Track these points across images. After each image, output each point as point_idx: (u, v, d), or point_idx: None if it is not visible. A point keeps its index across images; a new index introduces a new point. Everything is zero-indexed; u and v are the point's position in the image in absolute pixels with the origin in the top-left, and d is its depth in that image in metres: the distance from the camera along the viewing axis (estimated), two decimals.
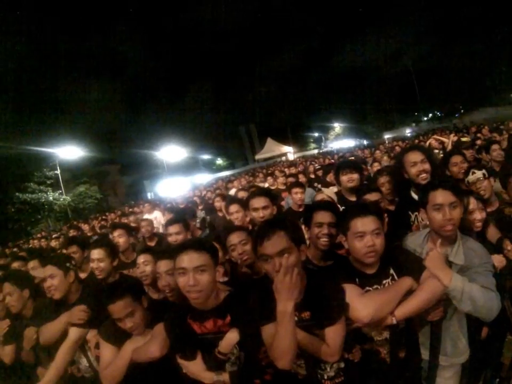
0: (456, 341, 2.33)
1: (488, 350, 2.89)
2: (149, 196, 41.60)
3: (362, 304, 1.97)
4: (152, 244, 5.32)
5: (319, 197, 3.48)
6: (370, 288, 2.13)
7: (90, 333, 2.77)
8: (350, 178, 3.72)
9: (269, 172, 14.12)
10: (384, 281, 2.14)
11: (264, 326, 1.94)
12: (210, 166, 66.81)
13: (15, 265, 5.24)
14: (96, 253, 3.36)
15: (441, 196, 2.18)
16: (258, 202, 3.28)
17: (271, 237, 1.91)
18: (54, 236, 10.97)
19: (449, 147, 7.37)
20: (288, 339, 1.78)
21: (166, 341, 2.20)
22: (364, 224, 2.06)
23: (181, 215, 4.68)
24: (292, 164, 20.55)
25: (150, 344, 2.24)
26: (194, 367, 2.09)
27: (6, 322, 3.29)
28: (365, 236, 2.04)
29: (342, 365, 2.05)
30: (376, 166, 7.07)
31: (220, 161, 73.97)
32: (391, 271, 2.15)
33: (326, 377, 2.03)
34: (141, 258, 3.13)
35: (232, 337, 2.03)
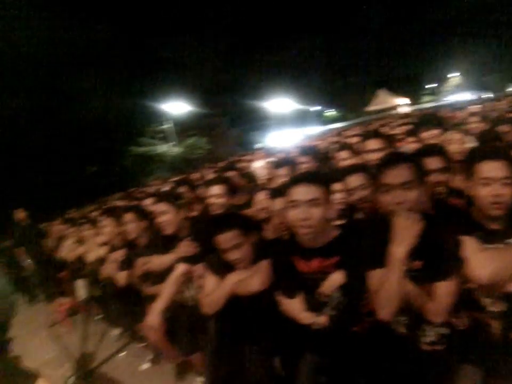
0: None
1: None
2: (257, 146, 42.34)
3: (480, 262, 1.73)
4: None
5: (456, 135, 3.26)
6: (493, 246, 1.84)
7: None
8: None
9: (382, 124, 13.32)
10: (509, 240, 1.84)
11: (372, 271, 1.84)
12: (320, 118, 65.63)
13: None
14: (215, 189, 3.46)
15: (492, 168, 1.80)
16: (375, 143, 3.21)
17: (396, 166, 1.79)
18: (172, 180, 11.61)
19: None
20: (396, 287, 1.69)
21: (268, 276, 2.22)
22: (493, 169, 1.77)
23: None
24: (406, 116, 19.23)
25: (251, 278, 2.30)
26: (294, 305, 2.09)
27: (123, 251, 3.89)
28: (492, 183, 1.76)
29: (446, 331, 1.87)
30: None
31: (330, 112, 72.26)
32: None
33: (425, 341, 1.88)
34: (262, 195, 3.18)
35: (336, 279, 1.97)
